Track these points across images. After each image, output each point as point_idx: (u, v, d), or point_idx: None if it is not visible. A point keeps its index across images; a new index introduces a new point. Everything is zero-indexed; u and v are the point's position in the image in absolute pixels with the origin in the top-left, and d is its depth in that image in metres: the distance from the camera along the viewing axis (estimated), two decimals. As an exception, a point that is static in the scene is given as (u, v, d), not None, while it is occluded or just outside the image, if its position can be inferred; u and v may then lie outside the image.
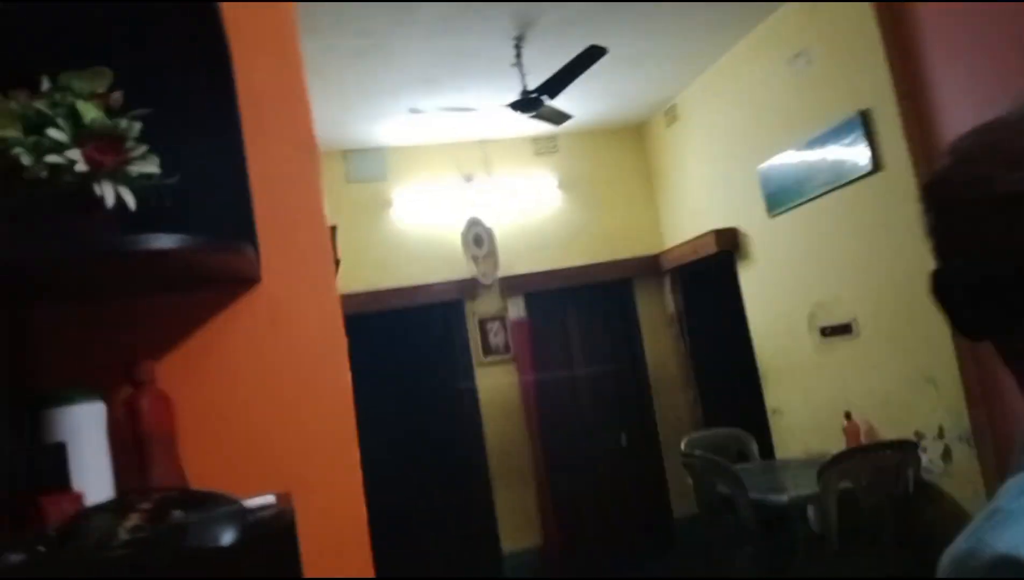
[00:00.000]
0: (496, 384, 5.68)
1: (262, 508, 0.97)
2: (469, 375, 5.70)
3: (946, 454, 3.74)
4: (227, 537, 0.83)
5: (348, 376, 1.28)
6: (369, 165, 5.65)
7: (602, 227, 6.00)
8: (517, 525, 5.45)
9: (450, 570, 5.42)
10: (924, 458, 3.78)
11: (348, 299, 5.24)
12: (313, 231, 1.30)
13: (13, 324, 1.06)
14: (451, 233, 5.73)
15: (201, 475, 1.09)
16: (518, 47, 4.20)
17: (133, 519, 0.83)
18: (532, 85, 4.25)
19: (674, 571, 5.18)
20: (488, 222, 5.78)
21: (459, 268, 5.71)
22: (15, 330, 1.06)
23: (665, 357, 5.96)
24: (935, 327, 3.68)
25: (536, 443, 5.59)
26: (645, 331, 6.00)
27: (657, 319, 6.00)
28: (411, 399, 5.70)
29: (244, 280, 1.18)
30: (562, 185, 5.97)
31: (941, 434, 3.75)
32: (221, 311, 1.16)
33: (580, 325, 6.04)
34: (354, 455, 1.22)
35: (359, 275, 5.43)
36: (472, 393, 5.68)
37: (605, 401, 5.96)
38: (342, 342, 1.28)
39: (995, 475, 3.53)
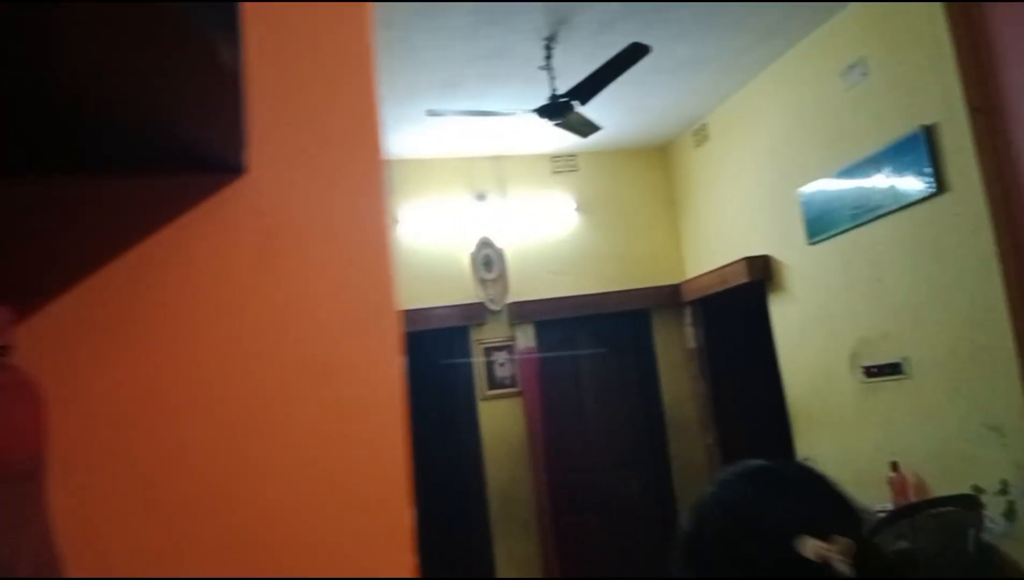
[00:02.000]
0: (501, 420, 5.24)
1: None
2: (471, 409, 5.26)
3: (1009, 512, 3.31)
4: None
5: (400, 374, 0.71)
6: (375, 175, 5.28)
7: (621, 253, 5.62)
8: (518, 574, 4.96)
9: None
10: (986, 517, 3.35)
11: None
12: (355, 96, 0.73)
13: None
14: (459, 254, 5.35)
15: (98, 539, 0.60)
16: (548, 48, 3.87)
17: None
18: (562, 89, 3.90)
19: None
20: (499, 243, 5.40)
21: (466, 292, 5.32)
22: None
23: (683, 396, 5.53)
24: (1000, 369, 3.29)
25: (541, 487, 5.13)
26: (662, 367, 5.59)
27: (676, 354, 5.59)
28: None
29: (212, 162, 0.66)
30: (580, 207, 5.61)
31: (1005, 490, 3.33)
32: (161, 224, 0.72)
33: (593, 358, 5.63)
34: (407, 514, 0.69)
35: (359, 293, 5.03)
36: (474, 430, 5.23)
37: (617, 443, 5.51)
38: (391, 308, 0.72)
39: (1076, 540, 3.10)
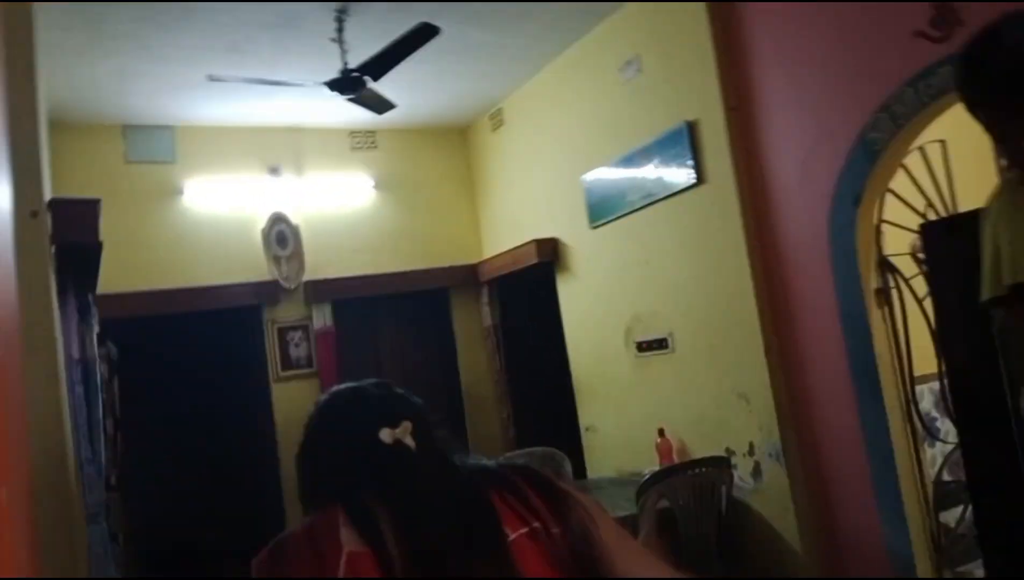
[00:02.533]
0: (296, 401, 5.11)
1: None
2: (264, 391, 5.09)
3: (756, 471, 3.73)
4: None
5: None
6: (154, 144, 4.92)
7: (419, 232, 5.65)
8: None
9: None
10: (736, 475, 3.75)
11: (125, 300, 4.52)
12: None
13: None
14: (251, 229, 5.13)
15: None
16: (340, 20, 3.79)
17: None
18: (354, 64, 3.84)
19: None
20: (294, 219, 5.24)
21: (259, 269, 5.12)
22: None
23: (480, 372, 5.69)
24: (749, 344, 3.68)
25: (337, 464, 5.07)
26: (460, 344, 5.71)
27: (473, 332, 5.73)
28: (199, 419, 4.99)
29: None
30: (379, 185, 5.56)
31: (751, 451, 3.75)
32: None
33: (392, 337, 5.63)
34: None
35: (140, 272, 4.69)
36: (267, 412, 5.07)
37: (415, 419, 5.55)
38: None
39: (803, 492, 3.55)
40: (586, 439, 4.91)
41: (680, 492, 3.51)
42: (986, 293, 1.13)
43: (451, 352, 5.70)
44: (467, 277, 5.69)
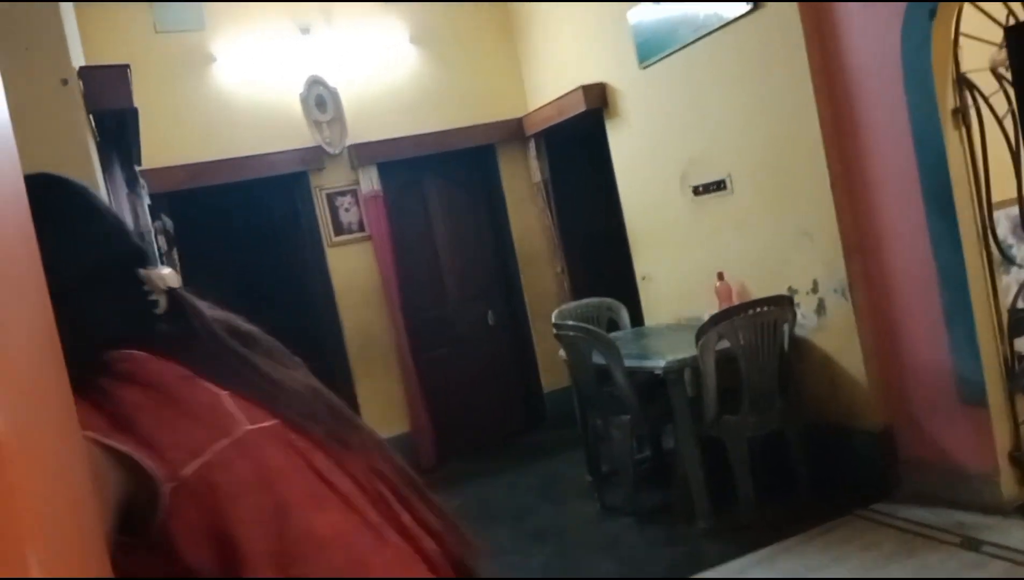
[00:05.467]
0: (351, 266, 5.17)
1: None
2: (320, 258, 5.14)
3: (820, 308, 3.66)
4: None
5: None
6: (182, 12, 4.75)
7: (460, 88, 5.45)
8: (382, 413, 5.09)
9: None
10: (799, 313, 3.69)
11: (166, 174, 4.53)
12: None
13: None
14: (288, 95, 5.01)
15: None
16: None
17: None
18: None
19: (549, 445, 5.04)
20: (331, 82, 5.09)
21: (301, 135, 5.04)
22: None
23: (532, 228, 5.62)
24: (813, 178, 3.52)
25: (398, 327, 5.18)
26: (510, 201, 5.62)
27: (523, 188, 5.62)
28: (254, 291, 5.09)
29: None
30: (414, 40, 5.32)
31: (816, 288, 3.66)
32: None
33: (440, 197, 5.57)
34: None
35: (177, 145, 4.65)
36: (325, 278, 5.14)
37: (470, 278, 5.59)
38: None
39: (869, 327, 3.48)
40: (642, 288, 4.87)
41: (741, 332, 3.47)
42: None
43: (501, 209, 5.63)
44: (513, 131, 5.52)
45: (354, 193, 5.18)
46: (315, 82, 5.04)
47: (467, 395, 5.42)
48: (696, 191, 4.22)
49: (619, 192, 4.87)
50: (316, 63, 5.03)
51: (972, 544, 2.90)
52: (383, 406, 5.13)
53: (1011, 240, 3.57)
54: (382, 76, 5.25)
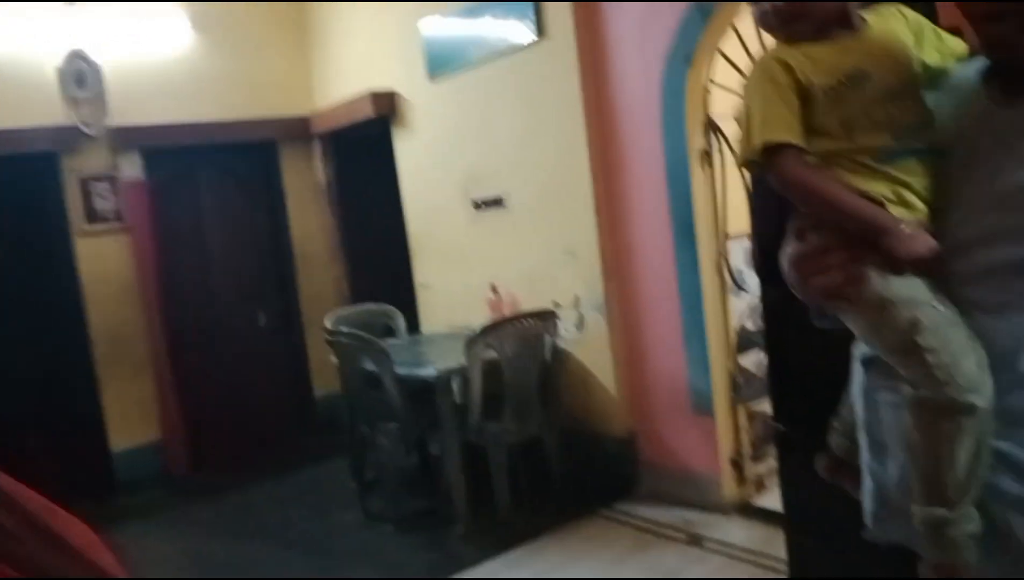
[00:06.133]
0: (103, 258, 4.73)
1: None
2: (66, 248, 4.66)
3: (580, 323, 3.91)
4: None
5: None
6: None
7: (245, 78, 5.21)
8: (129, 420, 4.70)
9: (51, 475, 4.51)
10: (561, 327, 3.92)
11: None
12: None
13: None
14: (44, 67, 4.52)
15: None
16: None
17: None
18: None
19: (316, 452, 4.91)
20: (96, 58, 4.65)
21: (55, 112, 4.55)
22: None
23: (313, 230, 5.49)
24: (580, 202, 3.76)
25: (156, 326, 4.81)
26: (291, 201, 5.45)
27: (306, 188, 5.47)
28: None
29: None
30: (196, 23, 5.01)
31: (577, 304, 3.91)
32: None
33: (215, 192, 5.27)
34: None
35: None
36: (70, 271, 4.66)
37: (242, 278, 5.34)
38: None
39: (620, 341, 3.77)
40: (421, 296, 4.92)
41: (507, 343, 3.63)
42: (741, 156, 1.21)
43: (281, 209, 5.44)
44: (299, 129, 5.36)
45: (112, 179, 4.76)
46: (76, 56, 4.58)
47: (232, 399, 5.16)
48: (476, 205, 4.35)
49: (403, 200, 4.90)
50: (80, 36, 4.58)
51: (696, 540, 3.23)
52: (132, 412, 4.75)
53: (743, 268, 4.04)
54: (155, 57, 4.89)
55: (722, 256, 3.49)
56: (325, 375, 5.30)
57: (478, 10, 4.00)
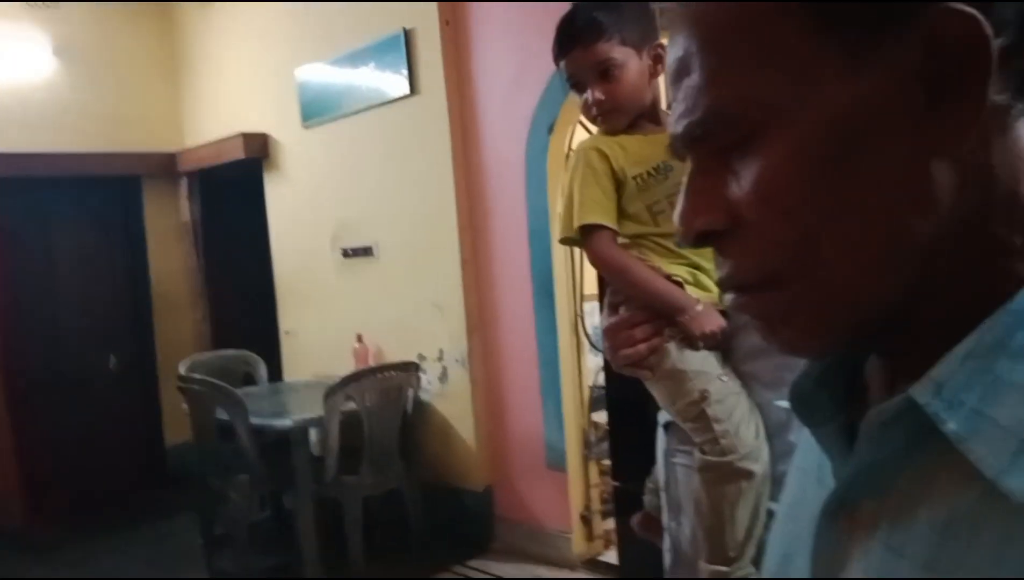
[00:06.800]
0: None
1: None
2: None
3: (443, 376, 3.95)
4: None
5: None
6: None
7: (109, 111, 5.02)
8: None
9: None
10: (424, 379, 3.94)
11: None
12: None
13: None
14: None
15: None
16: None
17: None
18: None
19: (166, 505, 4.66)
20: (-59, 76, 4.38)
21: None
22: None
23: (174, 270, 5.29)
24: (448, 256, 3.83)
25: (-6, 366, 4.48)
26: (152, 240, 5.25)
27: (169, 227, 5.29)
28: None
29: None
30: (59, 51, 4.81)
31: (441, 357, 3.95)
32: None
33: (67, 226, 5.01)
34: None
35: None
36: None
37: (95, 319, 5.06)
38: None
39: (481, 396, 3.83)
40: (285, 343, 4.83)
41: (368, 393, 3.61)
42: (561, 233, 1.37)
43: (140, 248, 5.23)
44: (164, 166, 5.20)
45: (-46, 207, 4.45)
46: (-83, 72, 4.30)
47: (77, 448, 4.83)
48: (345, 253, 4.34)
49: (271, 245, 4.83)
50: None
51: (545, 595, 3.29)
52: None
53: (598, 327, 4.22)
54: (13, 82, 4.65)
55: (578, 316, 3.64)
56: (178, 424, 5.07)
57: (354, 60, 4.06)
